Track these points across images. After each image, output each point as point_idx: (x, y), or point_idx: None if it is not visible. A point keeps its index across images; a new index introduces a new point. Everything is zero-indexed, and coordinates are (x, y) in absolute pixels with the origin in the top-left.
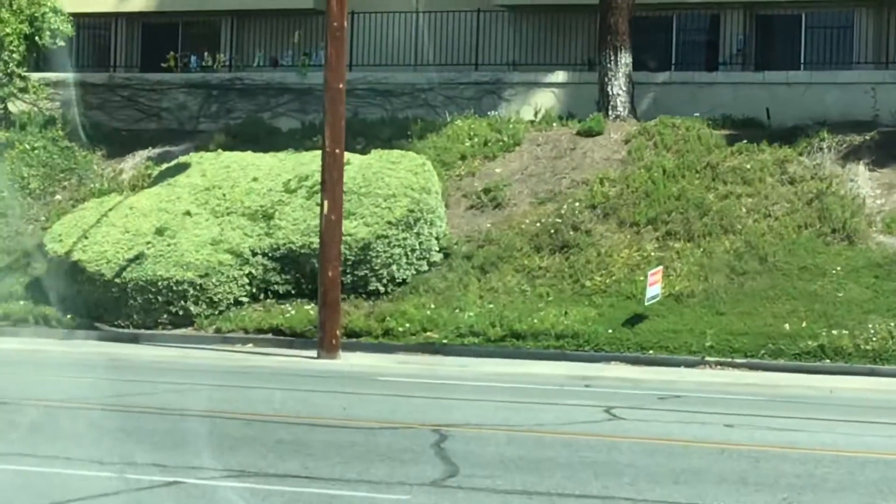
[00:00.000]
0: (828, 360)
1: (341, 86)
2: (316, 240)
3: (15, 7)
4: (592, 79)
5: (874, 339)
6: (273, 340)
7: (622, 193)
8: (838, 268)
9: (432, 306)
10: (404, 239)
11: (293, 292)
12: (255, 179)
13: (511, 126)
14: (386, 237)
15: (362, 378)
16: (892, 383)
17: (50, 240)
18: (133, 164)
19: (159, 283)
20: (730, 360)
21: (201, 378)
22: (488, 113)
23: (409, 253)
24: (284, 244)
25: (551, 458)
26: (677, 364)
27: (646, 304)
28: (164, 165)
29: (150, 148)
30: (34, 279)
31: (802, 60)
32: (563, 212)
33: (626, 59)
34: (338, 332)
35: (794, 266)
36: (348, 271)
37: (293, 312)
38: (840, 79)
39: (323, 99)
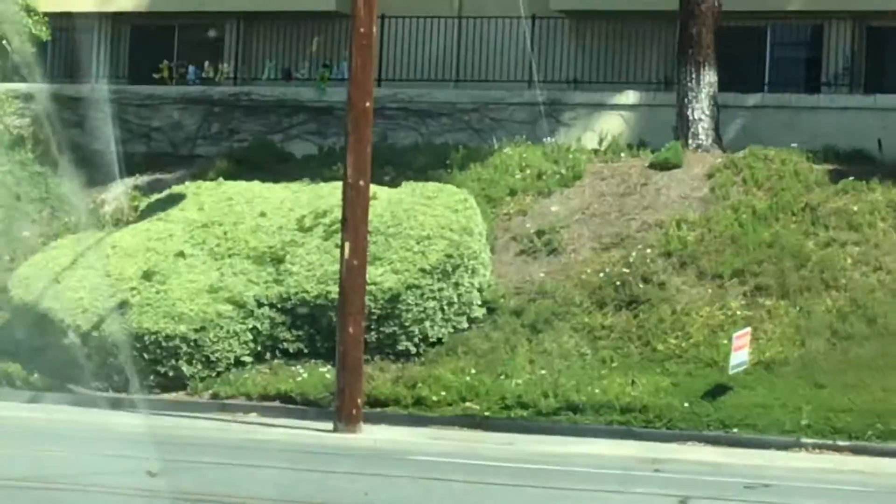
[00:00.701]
0: None
1: (368, 104)
2: (334, 289)
3: None
4: (669, 100)
5: None
6: (281, 409)
7: (703, 239)
8: None
9: (473, 371)
10: (440, 290)
11: (306, 351)
12: (262, 215)
13: (571, 156)
14: (418, 287)
15: (388, 456)
16: None
17: (15, 284)
18: (117, 194)
19: (146, 338)
20: (830, 441)
21: (195, 454)
22: (543, 140)
23: (446, 307)
24: (296, 293)
25: None
26: (767, 445)
27: (730, 372)
28: (154, 196)
29: (137, 175)
30: None
31: None
32: (631, 260)
33: (709, 77)
34: (359, 401)
35: None
36: (373, 327)
37: (306, 376)
38: None
39: (345, 120)
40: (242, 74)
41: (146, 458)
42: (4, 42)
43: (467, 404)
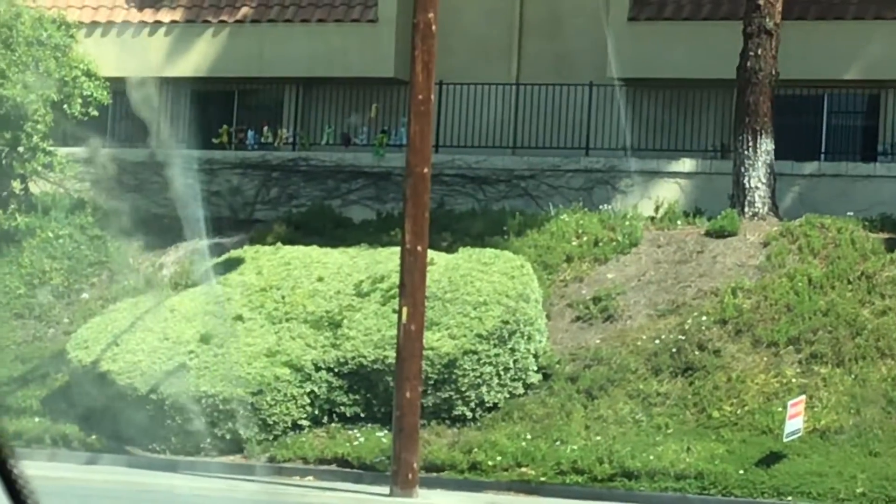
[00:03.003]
0: None
1: (426, 170)
2: (391, 354)
3: (42, 70)
4: (725, 168)
5: None
6: (338, 473)
7: (759, 307)
8: None
9: (528, 437)
10: (497, 355)
11: (363, 416)
12: (320, 280)
13: (627, 223)
14: (475, 353)
15: None
16: None
17: (74, 346)
18: (175, 258)
19: (203, 401)
20: None
21: None
22: (600, 207)
23: (502, 372)
24: (354, 358)
25: None
26: None
27: (785, 440)
28: (213, 261)
29: (195, 240)
30: (53, 392)
31: None
32: (687, 327)
33: (766, 145)
34: (415, 465)
35: None
36: (429, 392)
37: (362, 440)
38: None
39: (403, 186)
40: (301, 139)
41: None
42: (65, 106)
43: (522, 470)
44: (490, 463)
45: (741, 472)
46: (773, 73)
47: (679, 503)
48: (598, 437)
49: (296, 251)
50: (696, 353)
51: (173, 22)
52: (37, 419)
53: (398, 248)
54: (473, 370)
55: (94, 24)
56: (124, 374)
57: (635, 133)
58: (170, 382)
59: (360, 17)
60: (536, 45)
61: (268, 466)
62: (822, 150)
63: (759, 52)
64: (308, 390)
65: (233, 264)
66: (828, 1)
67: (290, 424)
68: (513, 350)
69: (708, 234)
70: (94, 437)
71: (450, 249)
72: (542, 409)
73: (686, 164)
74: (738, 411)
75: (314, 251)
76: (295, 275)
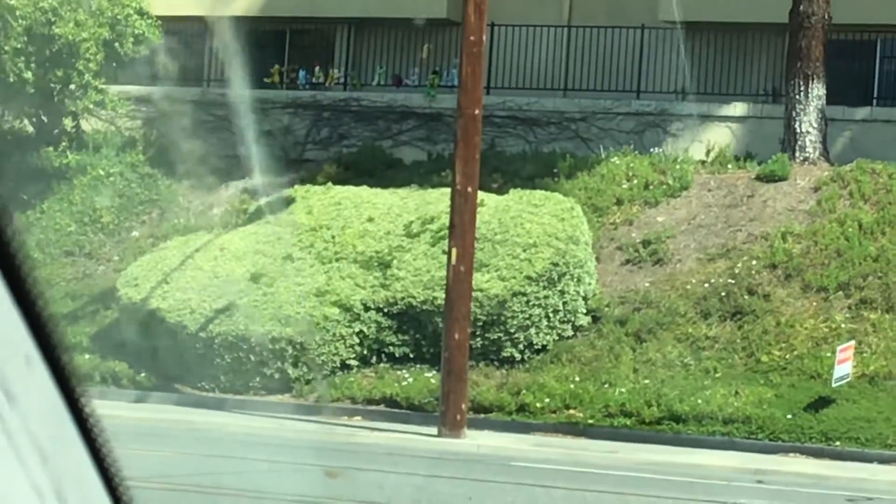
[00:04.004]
0: None
1: (477, 112)
2: (441, 295)
3: (94, 7)
4: (777, 113)
5: None
6: (386, 413)
7: (809, 252)
8: None
9: (577, 379)
10: (546, 297)
11: (411, 356)
12: (370, 220)
13: (678, 166)
14: (524, 294)
15: (492, 462)
16: None
17: (124, 284)
18: (226, 197)
19: (252, 340)
20: None
21: (300, 456)
22: (651, 150)
23: (552, 314)
24: (403, 298)
25: None
26: (870, 459)
27: (833, 385)
28: (263, 200)
29: (246, 179)
30: (103, 329)
31: None
32: (736, 271)
33: (818, 90)
34: (463, 407)
35: None
36: (478, 334)
37: (411, 380)
38: None
39: (454, 127)
40: (352, 80)
41: (252, 458)
42: (118, 45)
43: (570, 412)
44: (538, 405)
45: (789, 416)
46: (826, 17)
47: (726, 447)
48: (647, 381)
49: (346, 191)
50: (746, 297)
51: None
52: (87, 356)
53: (448, 190)
54: (522, 312)
55: None
56: (174, 311)
57: (687, 76)
58: (219, 321)
59: None
60: None
61: (316, 406)
62: (875, 95)
63: None
64: (357, 330)
65: (283, 204)
66: None
67: (338, 364)
68: (562, 292)
69: (758, 178)
70: (143, 374)
71: (500, 191)
72: (590, 351)
73: (737, 108)
74: (787, 356)
75: (364, 191)
76: (345, 215)
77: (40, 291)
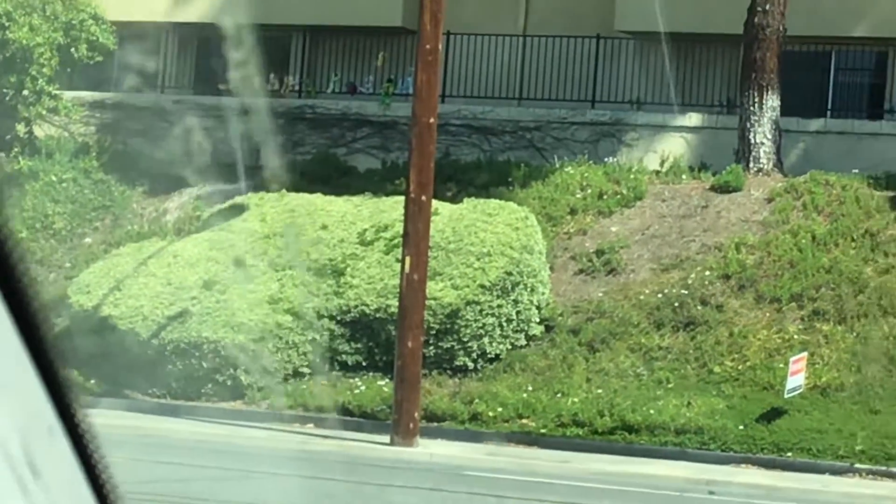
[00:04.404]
0: None
1: (432, 120)
2: (394, 303)
3: (49, 13)
4: (731, 123)
5: None
6: (338, 421)
7: (762, 262)
8: None
9: (529, 388)
10: (499, 306)
11: (364, 364)
12: (324, 227)
13: (632, 176)
14: (477, 303)
15: (444, 471)
16: None
17: (76, 291)
18: (179, 203)
19: (205, 347)
20: (884, 468)
21: (251, 463)
22: (605, 159)
23: (505, 323)
24: (356, 306)
25: None
26: (821, 470)
27: (785, 396)
28: (217, 207)
29: (200, 185)
30: (54, 336)
31: None
32: (690, 282)
33: (772, 101)
34: (416, 415)
35: None
36: (431, 342)
37: (363, 388)
38: None
39: (409, 135)
40: (307, 87)
41: (202, 465)
42: (73, 50)
43: (523, 421)
44: (491, 414)
45: (741, 427)
46: (781, 28)
47: (678, 457)
48: (599, 390)
49: (300, 199)
50: (699, 307)
51: None
52: None
53: (402, 198)
54: (476, 321)
55: None
56: (126, 318)
57: (642, 86)
58: (172, 327)
59: None
60: None
61: (268, 413)
62: (829, 107)
63: (768, 7)
64: (310, 338)
65: (237, 211)
66: None
67: (291, 372)
68: (515, 301)
69: (713, 188)
70: (93, 381)
71: (454, 199)
72: (543, 360)
73: (692, 119)
74: (740, 367)
75: (318, 199)
76: (299, 222)
77: (59, 351)
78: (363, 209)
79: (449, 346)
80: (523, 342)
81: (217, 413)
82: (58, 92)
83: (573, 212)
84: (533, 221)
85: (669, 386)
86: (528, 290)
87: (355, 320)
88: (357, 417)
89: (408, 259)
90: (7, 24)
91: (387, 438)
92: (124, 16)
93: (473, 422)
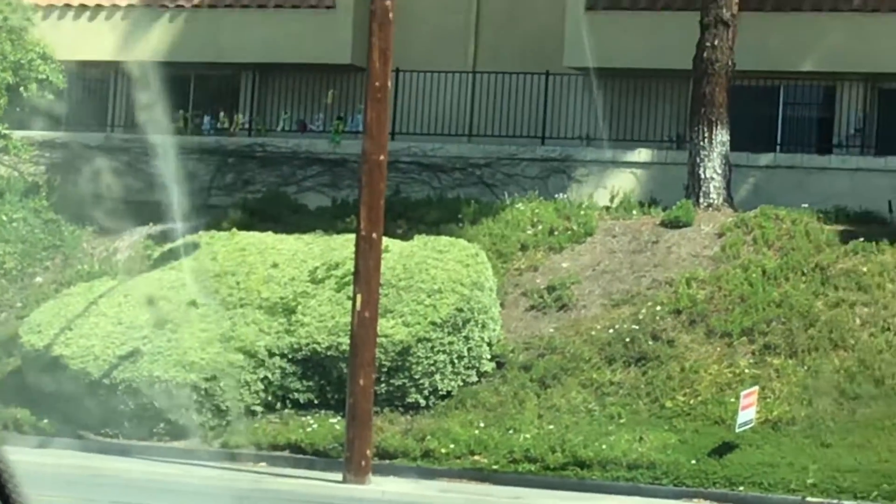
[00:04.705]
0: None
1: (382, 157)
2: (345, 340)
3: None
4: (681, 158)
5: None
6: (290, 459)
7: (713, 297)
8: None
9: (481, 425)
10: (450, 343)
11: (316, 402)
12: (275, 266)
13: (582, 212)
14: (429, 340)
15: None
16: None
17: (27, 330)
18: (130, 242)
19: (156, 386)
20: (836, 501)
21: (204, 502)
22: (555, 196)
23: (456, 360)
24: (308, 344)
25: None
26: None
27: (737, 430)
28: (168, 246)
29: (150, 224)
30: (5, 377)
31: None
32: (641, 317)
33: (722, 136)
34: (368, 453)
35: None
36: (383, 379)
37: (315, 426)
38: None
39: (359, 172)
40: (257, 125)
41: None
42: (22, 89)
43: (475, 458)
44: (443, 450)
45: (693, 461)
46: (730, 63)
47: (631, 492)
48: (551, 426)
49: (251, 237)
50: (650, 342)
51: (130, 6)
52: None
53: (353, 235)
54: (427, 358)
55: (51, 7)
56: (77, 358)
57: (591, 122)
58: (123, 367)
59: (317, 3)
60: (493, 34)
61: (221, 452)
62: (778, 141)
63: (716, 42)
64: (262, 376)
65: (188, 250)
66: None
67: (243, 410)
68: (467, 338)
69: (663, 224)
70: (45, 421)
71: (405, 237)
72: (495, 397)
73: (642, 154)
74: (691, 401)
75: (269, 237)
76: (250, 261)
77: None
78: (314, 247)
79: (400, 383)
80: (475, 379)
81: (170, 452)
82: (7, 131)
83: (524, 248)
84: (483, 258)
85: (621, 421)
86: (480, 326)
87: (307, 358)
88: (309, 455)
89: (359, 297)
90: None
91: (339, 476)
92: (73, 55)
93: (426, 459)
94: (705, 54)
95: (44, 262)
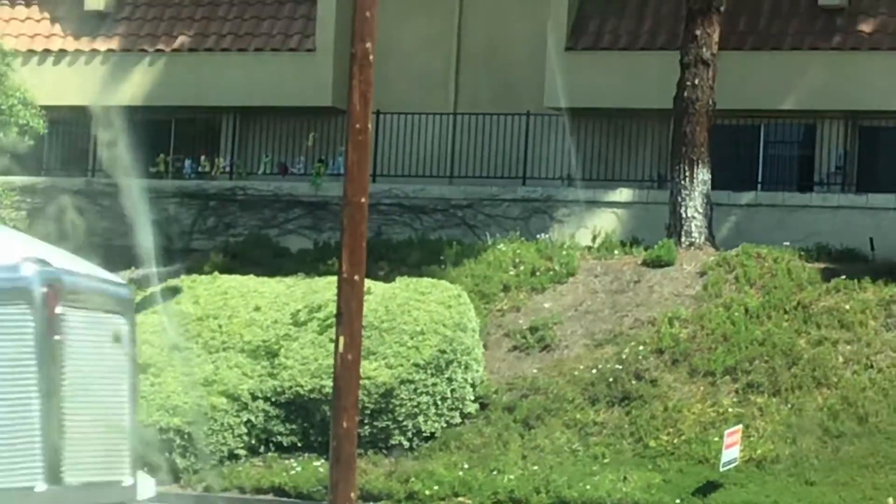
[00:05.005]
0: None
1: (363, 200)
2: (328, 383)
3: None
4: (662, 198)
5: None
6: (274, 502)
7: (695, 336)
8: None
9: (465, 466)
10: (434, 385)
11: (300, 445)
12: (257, 309)
13: (564, 252)
14: (412, 382)
15: None
16: None
17: None
18: None
19: (139, 431)
20: None
21: None
22: (537, 236)
23: (440, 402)
24: (291, 387)
25: None
26: None
27: (721, 469)
28: (149, 290)
29: (132, 268)
30: None
31: None
32: (624, 356)
33: (703, 175)
34: (353, 496)
35: None
36: (366, 422)
37: (299, 469)
38: None
39: (340, 215)
40: (238, 169)
41: None
42: (2, 135)
43: (460, 499)
44: (427, 492)
45: (678, 501)
46: (710, 103)
47: None
48: (535, 467)
49: (233, 280)
50: (633, 382)
51: (110, 51)
52: None
53: (335, 278)
54: (410, 399)
55: (31, 52)
56: None
57: (573, 163)
58: None
59: (297, 47)
60: (474, 75)
61: (204, 496)
62: (759, 180)
63: (696, 82)
64: (245, 420)
65: (169, 293)
66: (765, 31)
67: (226, 454)
68: (450, 379)
69: (645, 263)
70: None
71: (387, 279)
72: (479, 438)
73: (623, 194)
74: (675, 440)
75: (251, 280)
76: (232, 304)
77: None
78: (296, 290)
79: (384, 425)
80: (458, 420)
81: (153, 497)
82: None
83: (506, 289)
84: (466, 299)
85: (605, 461)
86: (463, 367)
87: (290, 401)
88: (293, 498)
89: (341, 339)
90: None
91: None
92: (54, 100)
93: (410, 500)
94: (686, 94)
95: None
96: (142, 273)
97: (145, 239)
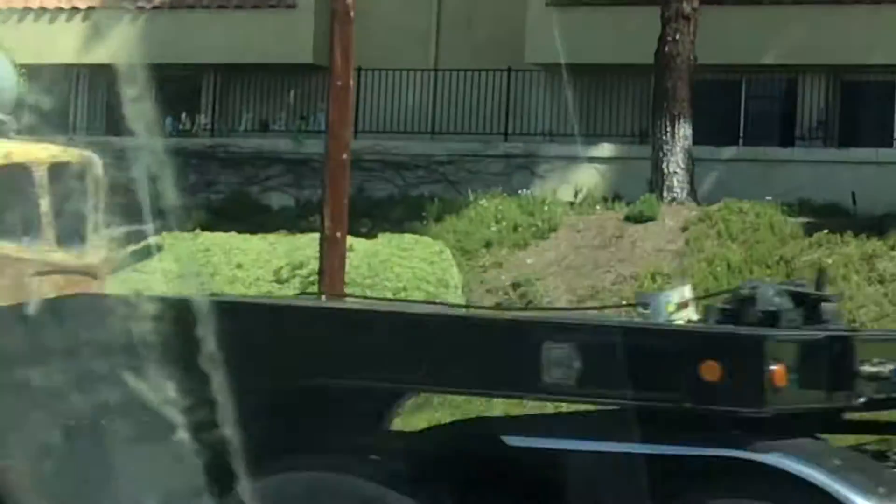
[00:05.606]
0: None
1: (345, 156)
2: None
3: None
4: (644, 153)
5: None
6: None
7: None
8: None
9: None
10: None
11: None
12: (239, 266)
13: (546, 208)
14: None
15: None
16: None
17: None
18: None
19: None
20: None
21: None
22: (519, 192)
23: None
24: None
25: None
26: None
27: None
28: (130, 248)
29: (113, 227)
30: None
31: None
32: (606, 312)
33: (685, 130)
34: None
35: None
36: None
37: None
38: None
39: (322, 172)
40: (219, 126)
41: None
42: None
43: None
44: None
45: None
46: (692, 57)
47: None
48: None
49: (215, 238)
50: None
51: (90, 8)
52: None
53: (317, 235)
54: None
55: (10, 9)
56: None
57: (554, 118)
58: None
59: (277, 3)
60: (455, 31)
61: None
62: (741, 134)
63: (678, 36)
64: None
65: (150, 252)
66: None
67: None
68: None
69: (627, 219)
70: None
71: (369, 235)
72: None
73: (605, 150)
74: None
75: (233, 238)
76: (214, 262)
77: None
78: (278, 247)
79: None
80: None
81: None
82: None
83: (488, 245)
84: (448, 255)
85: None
86: None
87: None
88: None
89: (324, 297)
90: None
91: None
92: (34, 58)
93: None
94: (667, 48)
95: None
96: (122, 231)
97: (125, 197)
